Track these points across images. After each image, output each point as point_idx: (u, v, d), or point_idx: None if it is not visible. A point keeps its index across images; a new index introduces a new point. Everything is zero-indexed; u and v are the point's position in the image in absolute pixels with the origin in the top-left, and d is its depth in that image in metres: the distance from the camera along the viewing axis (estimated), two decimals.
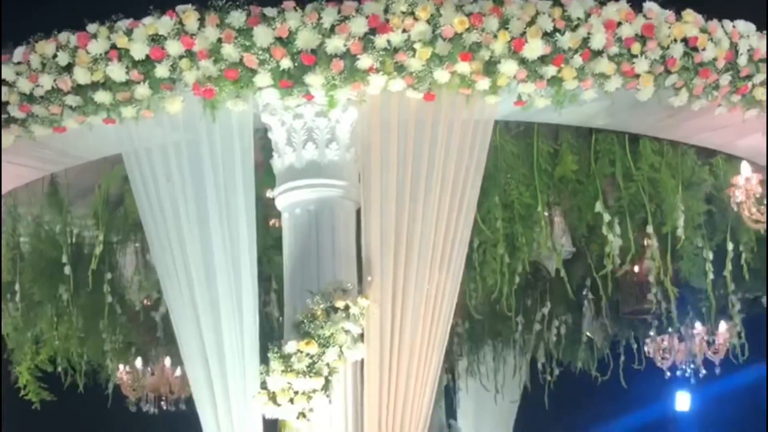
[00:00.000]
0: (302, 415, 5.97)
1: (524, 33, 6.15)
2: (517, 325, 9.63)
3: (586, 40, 6.22)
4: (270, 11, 6.11)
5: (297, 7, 6.09)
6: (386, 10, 6.03)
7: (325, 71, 6.10)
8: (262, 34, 6.05)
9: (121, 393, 11.57)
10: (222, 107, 6.35)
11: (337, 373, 6.06)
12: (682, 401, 28.46)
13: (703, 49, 6.54)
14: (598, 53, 6.26)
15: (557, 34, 6.17)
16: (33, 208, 8.20)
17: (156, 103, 6.34)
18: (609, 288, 8.09)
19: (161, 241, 6.54)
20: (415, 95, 6.30)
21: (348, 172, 6.55)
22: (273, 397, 5.98)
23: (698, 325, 11.20)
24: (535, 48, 6.14)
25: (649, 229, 7.63)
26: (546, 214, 7.95)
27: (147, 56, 6.17)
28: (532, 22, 6.11)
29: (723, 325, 10.92)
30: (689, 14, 6.49)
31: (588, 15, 6.20)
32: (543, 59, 6.19)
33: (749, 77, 6.80)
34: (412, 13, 6.02)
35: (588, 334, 10.44)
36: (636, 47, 6.32)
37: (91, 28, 6.27)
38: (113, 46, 6.22)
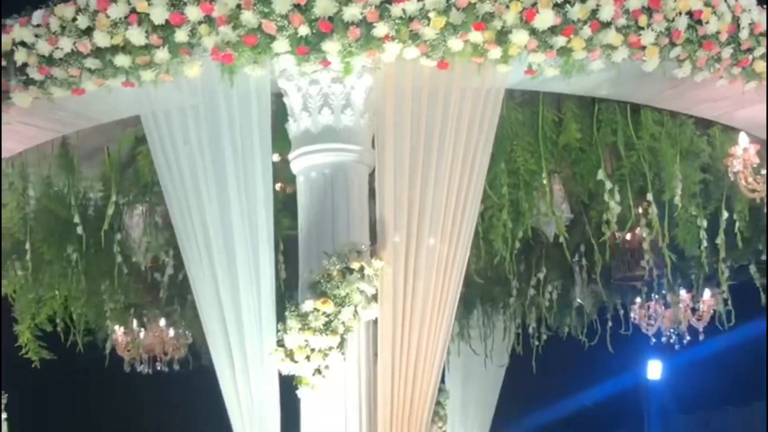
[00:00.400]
0: (318, 371, 6.18)
1: (535, 4, 6.32)
2: (512, 290, 9.86)
3: (594, 12, 6.40)
4: None
5: None
6: None
7: (342, 38, 6.24)
8: (281, 1, 6.17)
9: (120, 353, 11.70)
10: (240, 72, 6.47)
11: (352, 332, 6.26)
12: (654, 370, 29.00)
13: (707, 23, 6.74)
14: (607, 25, 6.44)
15: (567, 5, 6.35)
16: (42, 169, 8.30)
17: (175, 67, 6.46)
18: (606, 254, 8.32)
19: (179, 203, 6.69)
20: (428, 63, 6.46)
21: (362, 138, 6.73)
22: (290, 354, 6.18)
23: (683, 292, 11.46)
24: (545, 18, 6.32)
25: (649, 197, 7.85)
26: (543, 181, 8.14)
27: (167, 21, 6.28)
28: None
29: (707, 293, 11.18)
30: None
31: None
32: (553, 30, 6.37)
33: (750, 50, 7.01)
34: None
35: (579, 300, 10.67)
36: (643, 19, 6.50)
37: None
38: (133, 11, 6.33)
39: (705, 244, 8.49)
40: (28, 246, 8.36)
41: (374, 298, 6.37)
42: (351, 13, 6.18)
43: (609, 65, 6.66)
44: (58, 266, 8.58)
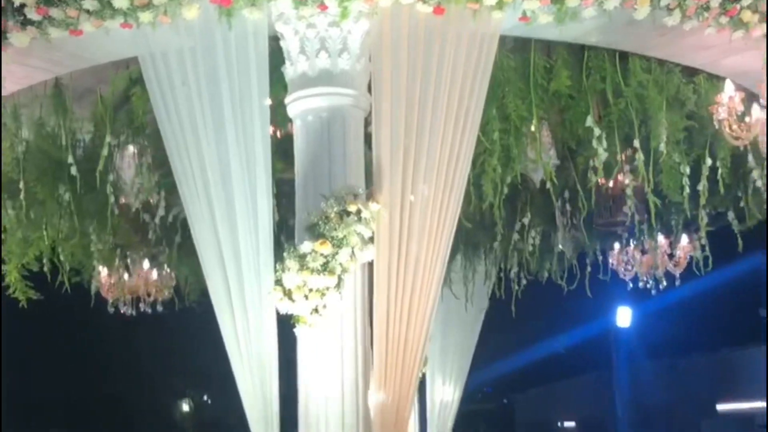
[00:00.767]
0: (315, 310, 6.33)
1: None
2: (496, 234, 10.02)
3: None
4: None
5: None
6: None
7: None
8: None
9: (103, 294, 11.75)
10: (237, 15, 6.52)
11: (349, 273, 6.40)
12: (624, 317, 29.46)
13: None
14: None
15: None
16: (35, 110, 8.33)
17: (173, 9, 6.50)
18: (592, 200, 8.47)
19: (177, 145, 6.77)
20: (424, 9, 6.55)
21: (358, 82, 6.82)
22: (288, 294, 6.32)
23: (661, 238, 11.63)
24: None
25: (636, 143, 7.99)
26: (531, 128, 8.27)
27: None
28: None
29: (685, 238, 11.36)
30: None
31: None
32: None
33: (737, 0, 7.12)
34: None
35: (560, 246, 10.85)
36: None
37: None
38: None
39: (687, 190, 8.67)
40: (21, 185, 8.41)
41: (371, 240, 6.51)
42: None
43: (601, 13, 6.77)
44: (51, 206, 8.63)
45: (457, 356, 12.73)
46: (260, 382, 6.52)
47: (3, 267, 9.62)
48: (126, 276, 11.75)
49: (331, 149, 6.70)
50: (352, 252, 6.38)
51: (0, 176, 8.27)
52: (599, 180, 8.58)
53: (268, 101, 7.14)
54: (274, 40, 7.01)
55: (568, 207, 9.81)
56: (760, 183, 8.97)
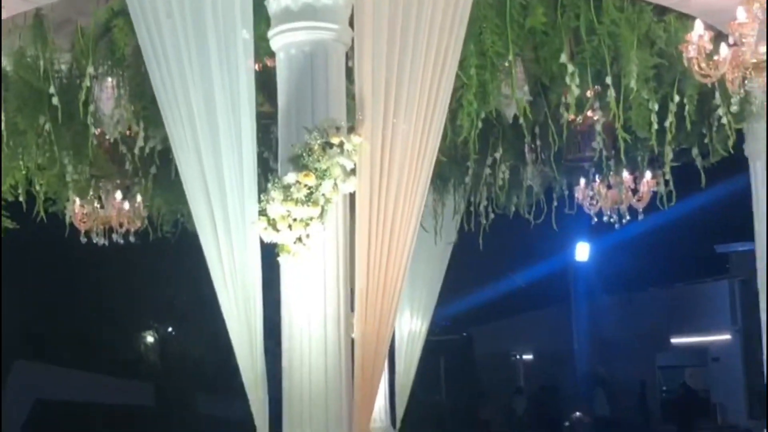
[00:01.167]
0: (299, 240, 6.51)
1: None
2: (467, 169, 10.23)
3: None
4: None
5: None
6: None
7: None
8: None
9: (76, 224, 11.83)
10: None
11: (332, 203, 6.58)
12: (582, 252, 29.91)
13: None
14: None
15: None
16: (15, 40, 8.36)
17: None
18: (563, 135, 8.69)
19: (162, 77, 6.87)
20: None
21: (341, 16, 6.93)
22: (273, 224, 6.50)
23: (625, 173, 11.89)
24: None
25: (608, 80, 8.19)
26: (506, 64, 8.43)
27: None
28: None
29: (648, 174, 11.62)
30: None
31: None
32: None
33: None
34: None
35: (530, 180, 11.09)
36: None
37: None
38: None
39: (655, 126, 8.90)
40: (2, 116, 8.46)
41: (353, 172, 6.68)
42: None
43: None
44: (32, 136, 8.70)
45: (425, 289, 12.98)
46: (245, 311, 6.72)
47: None
48: (99, 207, 11.84)
49: (313, 82, 6.82)
50: (335, 183, 6.56)
51: None
52: (571, 116, 8.77)
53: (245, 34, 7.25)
54: None
55: (538, 142, 10.02)
56: (725, 120, 9.21)
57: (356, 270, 6.75)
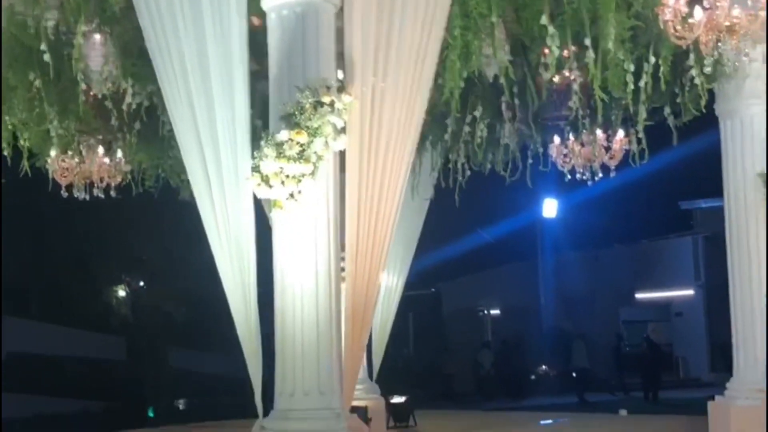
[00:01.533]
0: (291, 196, 6.73)
1: None
2: (447, 126, 10.46)
3: None
4: None
5: None
6: None
7: None
8: None
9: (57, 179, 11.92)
10: None
11: (323, 161, 6.79)
12: (549, 208, 30.24)
13: None
14: None
15: None
16: None
17: None
18: (543, 95, 8.92)
19: (157, 37, 7.03)
20: None
21: None
22: (266, 180, 6.70)
23: (598, 132, 12.15)
24: None
25: (587, 41, 8.42)
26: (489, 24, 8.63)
27: None
28: None
29: (621, 132, 11.88)
30: None
31: None
32: None
33: None
34: None
35: (506, 138, 11.33)
36: None
37: None
38: None
39: (631, 86, 9.16)
40: None
41: (343, 130, 6.89)
42: None
43: None
44: (22, 92, 8.81)
45: (402, 245, 13.25)
46: (239, 266, 6.92)
47: None
48: (80, 161, 11.93)
49: (304, 43, 7.01)
50: (326, 141, 6.77)
51: None
52: (551, 76, 8.99)
53: None
54: None
55: (516, 101, 10.24)
56: (697, 81, 9.48)
57: (346, 225, 6.99)
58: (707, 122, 11.30)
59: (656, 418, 16.41)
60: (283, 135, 6.70)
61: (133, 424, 18.05)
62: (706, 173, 12.05)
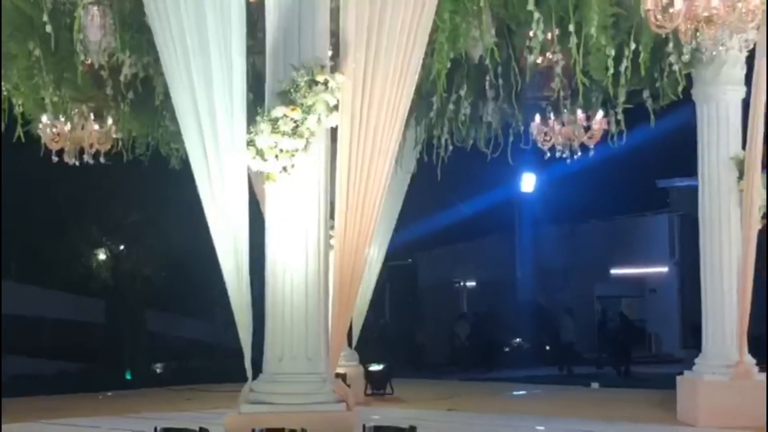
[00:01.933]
0: (284, 169, 7.03)
1: None
2: (432, 104, 10.78)
3: None
4: None
5: None
6: None
7: None
8: None
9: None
10: None
11: (315, 137, 7.09)
12: (528, 182, 30.55)
13: None
14: None
15: None
16: None
17: None
18: (526, 77, 9.23)
19: (158, 10, 7.25)
20: None
21: None
22: (261, 153, 7.00)
23: (579, 112, 12.47)
24: None
25: (570, 27, 8.73)
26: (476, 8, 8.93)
27: None
28: None
29: (600, 113, 12.21)
30: None
31: None
32: None
33: None
34: None
35: (489, 117, 11.66)
36: None
37: None
38: None
39: (611, 71, 9.49)
40: None
41: (335, 108, 7.18)
42: None
43: None
44: (21, 61, 9.04)
45: (384, 216, 13.53)
46: (232, 233, 7.18)
47: None
48: (71, 127, 12.15)
49: (301, 23, 7.27)
50: (319, 118, 7.06)
51: None
52: (535, 59, 9.30)
53: None
54: None
55: (500, 81, 10.55)
56: (676, 67, 9.81)
57: (336, 198, 7.30)
58: (687, 102, 11.69)
59: (627, 391, 16.84)
60: (279, 111, 6.99)
61: (110, 386, 18.34)
62: (684, 152, 12.39)
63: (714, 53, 9.57)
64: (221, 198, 7.22)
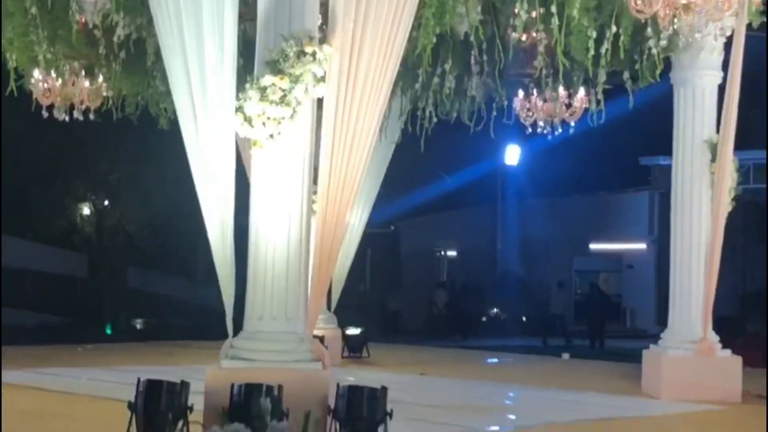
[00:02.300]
0: (271, 136, 7.30)
1: None
2: (417, 76, 11.06)
3: None
4: None
5: None
6: None
7: None
8: None
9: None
10: None
11: (302, 106, 7.35)
12: (512, 155, 30.83)
13: None
14: None
15: None
16: None
17: None
18: (510, 53, 9.51)
19: None
20: None
21: None
22: (249, 120, 7.27)
23: (561, 90, 12.75)
24: None
25: (553, 8, 9.00)
26: None
27: None
28: None
29: (582, 91, 12.49)
30: None
31: None
32: None
33: None
34: None
35: (473, 91, 11.94)
36: None
37: None
38: None
39: (592, 52, 9.79)
40: None
41: (322, 79, 7.44)
42: None
43: None
44: (18, 18, 9.25)
45: (367, 184, 13.83)
46: (218, 194, 7.44)
47: None
48: (63, 83, 12.36)
49: None
50: (306, 88, 7.32)
51: None
52: (519, 36, 9.56)
53: None
54: None
55: (485, 57, 10.82)
56: (654, 51, 10.11)
57: (320, 166, 7.58)
58: (670, 83, 12.02)
59: (597, 363, 17.26)
60: (267, 80, 7.25)
61: (90, 340, 18.64)
62: (667, 131, 12.70)
63: (691, 39, 9.88)
64: (209, 159, 7.44)
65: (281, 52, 7.30)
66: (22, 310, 23.91)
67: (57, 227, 26.76)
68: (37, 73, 11.34)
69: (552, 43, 9.53)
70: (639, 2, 8.68)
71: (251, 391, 6.74)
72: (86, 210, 27.32)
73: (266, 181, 7.46)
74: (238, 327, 7.56)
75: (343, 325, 15.58)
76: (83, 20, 10.16)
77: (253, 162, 7.52)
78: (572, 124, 12.82)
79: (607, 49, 9.84)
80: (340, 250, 8.03)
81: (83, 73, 12.40)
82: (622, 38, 9.76)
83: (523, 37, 10.10)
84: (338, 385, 7.06)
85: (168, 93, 8.62)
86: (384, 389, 6.97)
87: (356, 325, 16.11)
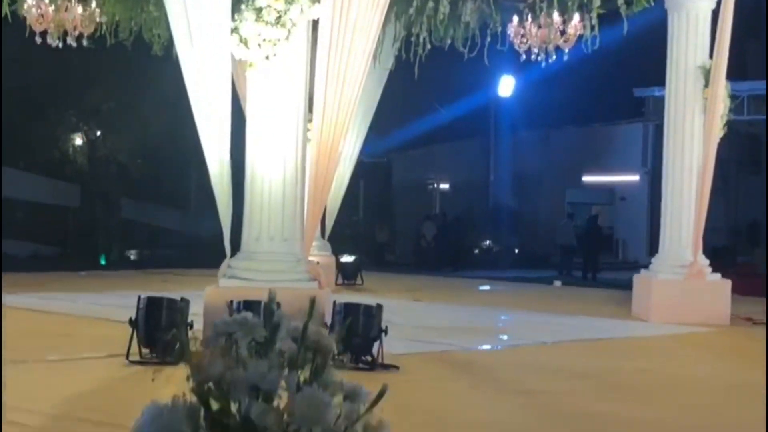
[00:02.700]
0: (267, 58, 7.33)
1: None
2: (412, 1, 11.03)
3: None
4: None
5: None
6: None
7: None
8: None
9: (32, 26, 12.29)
10: None
11: (297, 27, 7.37)
12: (506, 86, 30.74)
13: None
14: None
15: None
16: None
17: None
18: None
19: None
20: None
21: None
22: (244, 42, 7.29)
23: (555, 15, 12.71)
24: None
25: None
26: None
27: None
28: None
29: (576, 17, 12.45)
30: None
31: None
32: None
33: None
34: None
35: (467, 16, 11.89)
36: None
37: None
38: None
39: None
40: None
41: (318, 0, 7.46)
42: None
43: None
44: None
45: (360, 111, 13.83)
46: (215, 116, 7.49)
47: None
48: (56, 8, 12.30)
49: None
50: (302, 9, 7.34)
51: None
52: None
53: None
54: None
55: None
56: None
57: (315, 89, 7.63)
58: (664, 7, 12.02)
59: (588, 290, 17.46)
60: (263, 1, 7.26)
61: (84, 269, 18.75)
62: (661, 62, 12.71)
63: None
64: (205, 81, 7.51)
65: None
66: (14, 240, 23.91)
67: (49, 157, 26.69)
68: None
69: None
70: None
71: (250, 307, 6.84)
72: (78, 140, 27.24)
73: (262, 104, 7.51)
74: (235, 250, 7.65)
75: (337, 253, 15.73)
76: None
77: (249, 86, 7.57)
78: (566, 51, 12.82)
79: None
80: (335, 174, 8.09)
81: None
82: None
83: None
84: (335, 302, 7.17)
85: (162, 18, 8.62)
86: (379, 306, 7.09)
87: (350, 253, 16.27)
